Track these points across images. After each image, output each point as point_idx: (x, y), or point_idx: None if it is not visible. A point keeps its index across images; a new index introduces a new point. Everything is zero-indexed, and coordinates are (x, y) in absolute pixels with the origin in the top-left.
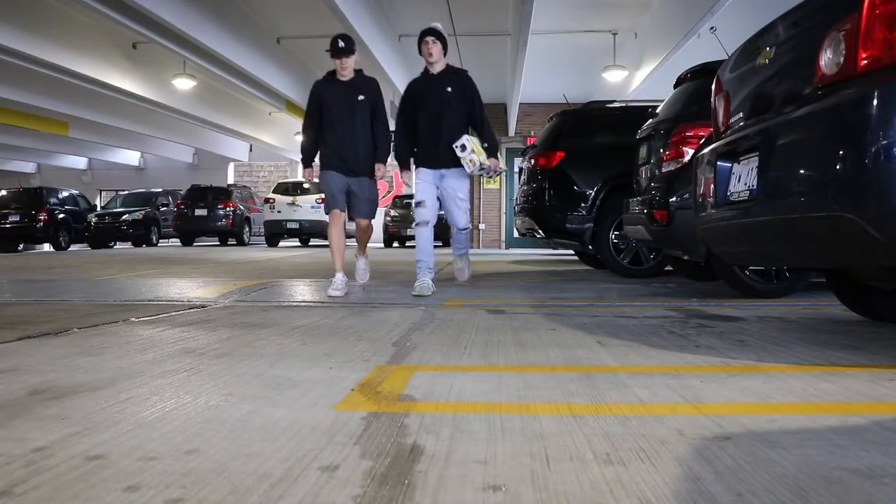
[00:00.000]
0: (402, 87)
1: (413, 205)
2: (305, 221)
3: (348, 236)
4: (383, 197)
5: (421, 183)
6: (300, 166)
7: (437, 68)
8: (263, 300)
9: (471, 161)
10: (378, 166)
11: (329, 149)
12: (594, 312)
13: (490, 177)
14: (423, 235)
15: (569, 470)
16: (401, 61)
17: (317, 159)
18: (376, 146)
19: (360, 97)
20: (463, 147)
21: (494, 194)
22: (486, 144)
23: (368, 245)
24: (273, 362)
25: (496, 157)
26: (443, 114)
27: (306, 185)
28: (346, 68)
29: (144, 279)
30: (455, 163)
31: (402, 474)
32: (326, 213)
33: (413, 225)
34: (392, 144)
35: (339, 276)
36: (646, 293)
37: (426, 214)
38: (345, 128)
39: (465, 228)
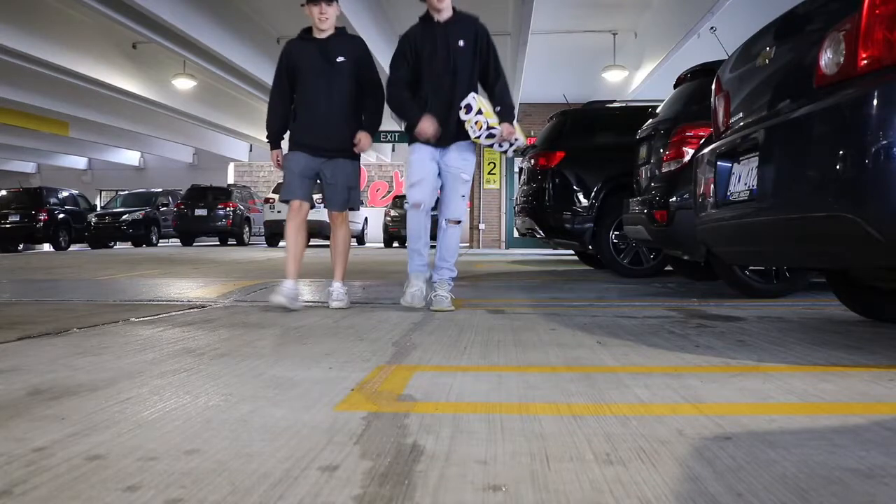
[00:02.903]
0: None
1: (405, 186)
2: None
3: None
4: (383, 197)
5: (417, 160)
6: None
7: (444, 16)
8: (263, 300)
9: (476, 123)
10: (360, 136)
11: (298, 123)
12: (594, 312)
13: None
14: (418, 222)
15: (569, 470)
16: None
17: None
18: (364, 117)
19: (340, 59)
20: (468, 107)
21: (494, 194)
22: (497, 108)
23: (369, 245)
24: (273, 362)
25: (511, 124)
26: (453, 75)
27: None
28: (326, 20)
29: (144, 279)
30: (463, 136)
31: (402, 474)
32: (283, 202)
33: (405, 207)
34: (389, 107)
35: (289, 284)
36: (646, 293)
37: (420, 194)
38: (318, 96)
39: (459, 221)
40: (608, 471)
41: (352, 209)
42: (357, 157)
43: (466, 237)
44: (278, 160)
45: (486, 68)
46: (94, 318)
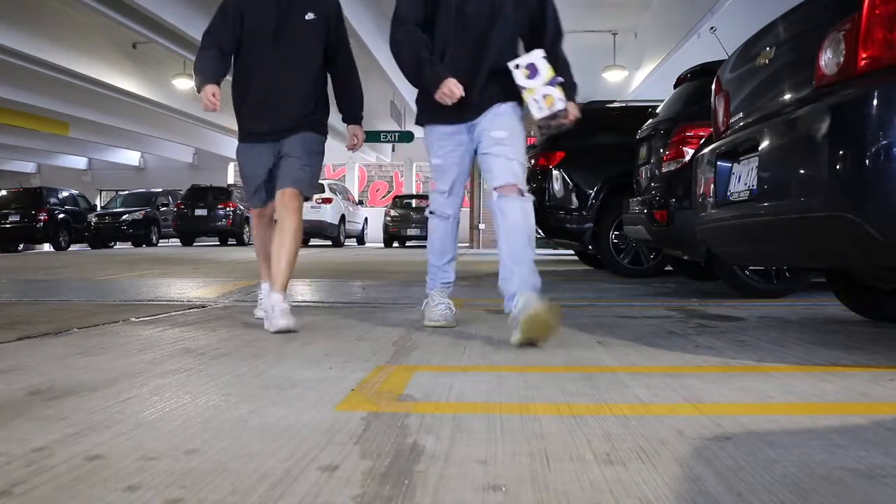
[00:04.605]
0: (402, 88)
1: (435, 181)
2: (305, 221)
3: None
4: (383, 197)
5: (441, 150)
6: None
7: None
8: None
9: (546, 98)
10: (353, 130)
11: (251, 103)
12: (594, 312)
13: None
14: (444, 233)
15: (569, 470)
16: None
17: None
18: (343, 95)
19: (309, 15)
20: (532, 69)
21: None
22: (559, 79)
23: (369, 244)
24: (273, 362)
25: (574, 101)
26: (489, 23)
27: None
28: None
29: (144, 279)
30: (503, 96)
31: (402, 474)
32: (247, 209)
33: (426, 212)
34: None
35: (266, 288)
36: (646, 293)
37: (449, 204)
38: (278, 63)
39: (522, 192)
40: (608, 471)
41: (304, 195)
42: (324, 132)
43: (466, 237)
44: (214, 100)
45: (540, 19)
46: (94, 318)
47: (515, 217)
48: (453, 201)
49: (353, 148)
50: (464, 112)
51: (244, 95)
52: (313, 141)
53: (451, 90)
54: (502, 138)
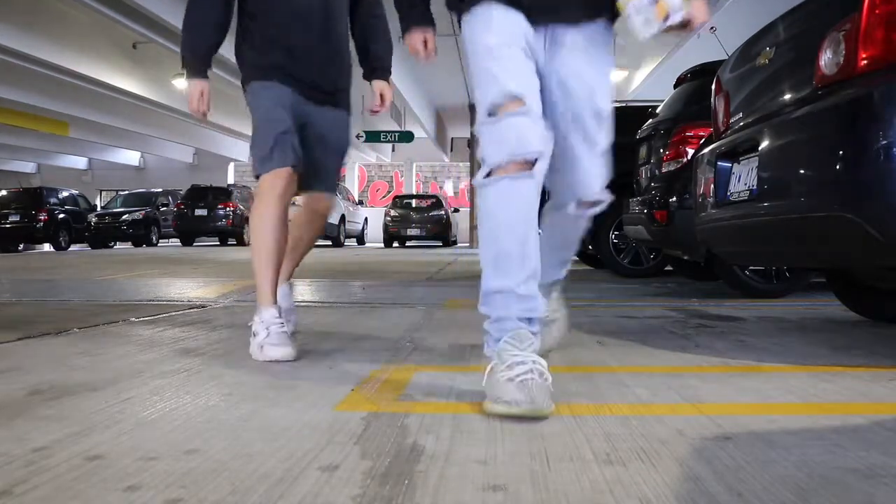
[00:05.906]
0: (403, 92)
1: (483, 97)
2: None
3: None
4: (383, 197)
5: (500, 24)
6: None
7: None
8: None
9: (658, 6)
10: (380, 87)
11: (271, 42)
12: (594, 312)
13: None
14: (519, 200)
15: (569, 470)
16: (401, 62)
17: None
18: (370, 41)
19: None
20: None
21: None
22: None
23: (369, 245)
24: (273, 362)
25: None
26: None
27: None
28: None
29: (144, 279)
30: (593, 6)
31: (402, 474)
32: (258, 174)
33: (482, 173)
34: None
35: (271, 314)
36: (646, 293)
37: (527, 128)
38: (307, 6)
39: (598, 202)
40: (608, 471)
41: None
42: (349, 110)
43: (466, 237)
44: (202, 101)
45: None
46: (94, 318)
47: (579, 233)
48: (538, 120)
49: (377, 111)
50: (545, 12)
51: (255, 36)
52: (346, 124)
53: (415, 48)
54: (604, 113)
